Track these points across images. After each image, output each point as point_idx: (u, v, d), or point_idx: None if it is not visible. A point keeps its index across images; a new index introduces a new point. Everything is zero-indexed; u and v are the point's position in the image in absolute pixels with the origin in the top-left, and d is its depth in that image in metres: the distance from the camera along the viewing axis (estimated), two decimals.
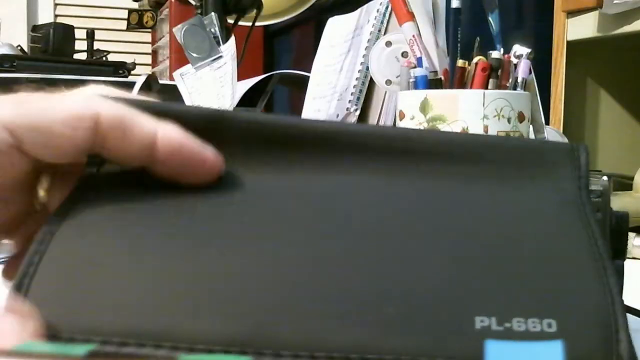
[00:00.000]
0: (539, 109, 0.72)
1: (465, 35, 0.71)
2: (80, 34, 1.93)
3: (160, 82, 1.14)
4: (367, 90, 0.97)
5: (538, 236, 0.28)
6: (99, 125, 0.29)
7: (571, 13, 0.98)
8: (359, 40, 1.01)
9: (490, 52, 0.66)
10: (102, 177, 0.31)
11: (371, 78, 0.90)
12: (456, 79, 0.67)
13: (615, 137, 1.04)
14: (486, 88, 0.65)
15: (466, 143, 0.32)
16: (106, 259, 0.27)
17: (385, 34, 0.97)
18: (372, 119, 0.96)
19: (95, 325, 0.24)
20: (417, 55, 0.68)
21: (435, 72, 0.68)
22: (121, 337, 0.24)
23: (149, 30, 2.64)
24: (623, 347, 0.23)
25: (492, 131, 0.63)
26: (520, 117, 0.64)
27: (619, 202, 0.68)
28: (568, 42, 0.99)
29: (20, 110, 0.29)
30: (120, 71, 1.63)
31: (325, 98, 1.04)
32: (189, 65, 0.97)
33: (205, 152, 0.30)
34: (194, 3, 1.08)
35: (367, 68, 0.92)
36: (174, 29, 0.98)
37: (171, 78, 1.13)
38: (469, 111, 0.63)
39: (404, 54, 0.80)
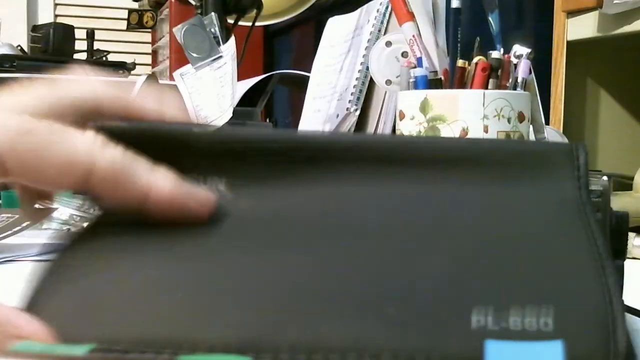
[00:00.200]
0: (539, 109, 0.72)
1: (465, 35, 0.71)
2: (80, 34, 1.94)
3: (160, 82, 1.14)
4: (367, 90, 0.97)
5: (538, 236, 0.28)
6: (91, 176, 0.29)
7: (571, 13, 0.98)
8: (359, 40, 1.01)
9: (490, 52, 0.66)
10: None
11: (371, 78, 0.90)
12: (456, 79, 0.67)
13: (615, 137, 1.04)
14: (486, 88, 0.65)
15: (465, 148, 0.32)
16: (109, 272, 0.28)
17: (385, 34, 0.97)
18: (372, 119, 0.96)
19: (97, 335, 0.25)
20: (417, 55, 0.68)
21: (435, 72, 0.68)
22: (124, 344, 0.24)
23: (149, 30, 2.64)
24: (622, 347, 0.23)
25: (492, 131, 0.63)
26: (520, 117, 0.65)
27: (619, 202, 0.68)
28: (568, 42, 0.98)
29: (18, 145, 0.28)
30: (120, 71, 1.63)
31: (325, 98, 1.04)
32: (189, 65, 0.97)
33: (197, 196, 0.30)
34: (194, 3, 1.08)
35: (367, 68, 0.92)
36: (174, 29, 0.98)
37: (171, 78, 1.13)
38: (469, 111, 0.63)
39: (404, 54, 0.80)
